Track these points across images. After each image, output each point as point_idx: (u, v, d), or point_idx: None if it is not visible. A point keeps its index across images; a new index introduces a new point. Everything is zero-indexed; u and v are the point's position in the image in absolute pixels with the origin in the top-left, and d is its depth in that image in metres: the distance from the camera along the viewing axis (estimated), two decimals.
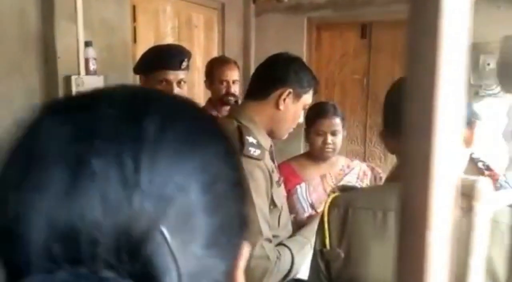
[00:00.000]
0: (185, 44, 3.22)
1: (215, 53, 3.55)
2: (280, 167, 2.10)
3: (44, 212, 0.26)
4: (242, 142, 1.25)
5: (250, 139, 1.27)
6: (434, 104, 0.28)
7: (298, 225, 1.66)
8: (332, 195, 1.01)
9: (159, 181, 0.29)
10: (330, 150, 1.89)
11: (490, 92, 3.23)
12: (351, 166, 2.00)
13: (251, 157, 1.24)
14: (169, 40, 3.08)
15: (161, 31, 3.00)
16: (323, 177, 1.95)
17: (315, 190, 1.91)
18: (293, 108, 1.37)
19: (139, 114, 0.31)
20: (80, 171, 0.27)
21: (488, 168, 1.64)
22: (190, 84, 3.18)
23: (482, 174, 1.62)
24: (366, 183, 1.97)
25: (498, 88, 3.19)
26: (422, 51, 0.28)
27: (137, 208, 0.27)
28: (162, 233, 0.28)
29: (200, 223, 0.31)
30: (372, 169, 2.03)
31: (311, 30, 3.89)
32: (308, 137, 1.96)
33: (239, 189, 0.38)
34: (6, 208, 0.27)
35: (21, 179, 0.28)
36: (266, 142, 1.35)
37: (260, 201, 1.24)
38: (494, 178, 1.60)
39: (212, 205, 0.32)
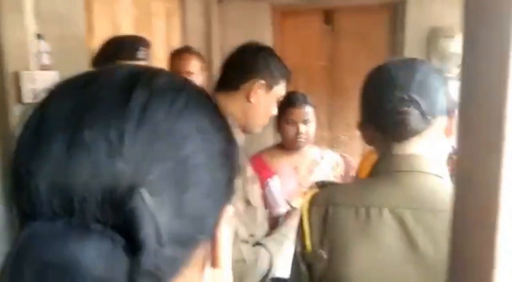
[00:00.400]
0: (144, 35, 3.10)
1: (176, 43, 3.42)
2: (250, 160, 2.06)
3: (47, 173, 0.34)
4: None
5: None
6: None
7: (273, 220, 1.61)
8: (310, 192, 0.96)
9: (140, 149, 0.35)
10: (303, 139, 1.86)
11: (451, 75, 3.29)
12: (323, 156, 1.97)
13: None
14: (127, 30, 2.92)
15: (118, 21, 2.85)
16: (295, 168, 1.92)
17: (288, 182, 1.87)
18: (266, 100, 1.30)
19: (129, 89, 0.37)
20: (74, 141, 0.34)
21: (455, 152, 1.65)
22: None
23: (451, 157, 1.63)
24: (339, 172, 1.95)
25: (458, 71, 3.26)
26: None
27: (118, 172, 0.34)
28: (140, 193, 0.33)
29: (182, 187, 0.36)
30: (344, 158, 2.01)
31: (275, 17, 3.82)
32: (279, 128, 1.91)
33: (224, 158, 0.41)
34: (21, 168, 0.36)
35: (32, 145, 0.36)
36: (240, 138, 1.29)
37: (235, 200, 1.19)
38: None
39: (188, 173, 0.37)
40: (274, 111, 1.39)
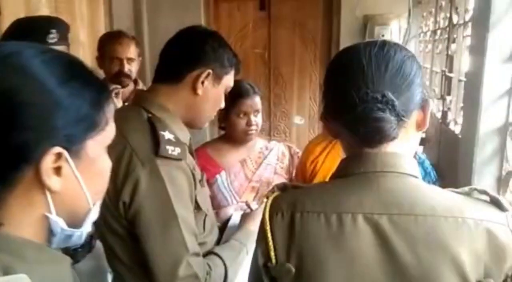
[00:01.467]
0: (64, 17, 2.79)
1: (101, 27, 3.14)
2: (195, 155, 1.92)
3: None
4: (156, 140, 1.03)
5: (166, 135, 1.04)
6: None
7: (223, 221, 1.50)
8: (271, 196, 0.84)
9: None
10: (254, 131, 1.74)
11: None
12: (269, 147, 1.88)
13: (169, 158, 1.03)
14: (43, 12, 2.60)
15: (32, 2, 2.52)
16: (243, 162, 1.81)
17: (236, 178, 1.76)
18: (214, 92, 1.16)
19: None
20: None
21: None
22: None
23: None
24: (285, 163, 1.88)
25: None
26: None
27: None
28: None
29: None
30: (290, 148, 1.94)
31: (208, 1, 3.65)
32: (227, 120, 1.77)
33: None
34: None
35: None
36: (185, 135, 1.14)
37: (183, 211, 1.05)
38: None
39: None
40: (223, 103, 1.25)
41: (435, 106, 2.36)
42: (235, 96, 1.71)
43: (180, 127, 1.13)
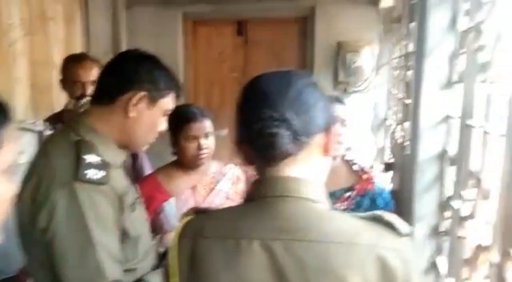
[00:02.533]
0: (38, 39, 2.85)
1: (78, 49, 3.18)
2: (144, 182, 1.82)
3: None
4: (77, 163, 1.02)
5: (90, 158, 1.03)
6: None
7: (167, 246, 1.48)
8: (184, 220, 0.84)
9: None
10: (205, 155, 1.73)
11: (357, 88, 3.41)
12: (223, 171, 1.86)
13: (90, 182, 1.02)
14: (17, 32, 2.65)
15: (4, 22, 2.56)
16: (194, 188, 1.78)
17: (185, 204, 1.72)
18: (149, 115, 1.14)
19: None
20: None
21: (364, 171, 1.63)
22: (47, 84, 2.79)
23: (360, 177, 1.62)
24: (240, 187, 1.86)
25: (364, 85, 3.38)
26: None
27: None
28: None
29: None
30: (246, 172, 1.93)
31: (186, 26, 3.71)
32: (176, 146, 1.75)
33: None
34: None
35: None
36: (117, 158, 1.13)
37: (104, 237, 1.03)
38: (369, 181, 1.60)
39: None
40: (163, 126, 1.23)
41: (398, 133, 2.38)
42: (183, 121, 1.71)
43: (111, 150, 1.12)
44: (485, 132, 1.02)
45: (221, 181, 1.83)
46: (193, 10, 3.62)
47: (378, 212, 0.80)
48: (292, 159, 0.78)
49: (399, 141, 2.25)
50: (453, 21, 1.31)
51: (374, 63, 3.29)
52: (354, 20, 3.35)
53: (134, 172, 2.39)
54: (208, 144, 1.73)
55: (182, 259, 0.79)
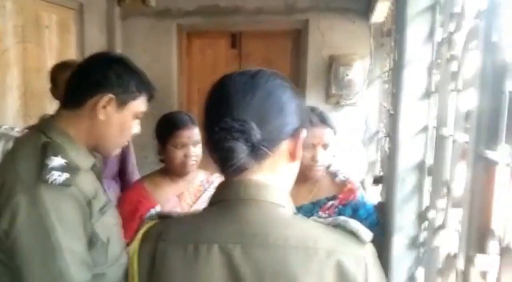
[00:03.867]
0: (32, 46, 2.87)
1: (72, 58, 3.20)
2: (131, 188, 1.85)
3: None
4: (43, 164, 1.01)
5: (56, 160, 1.02)
6: None
7: None
8: (147, 224, 0.83)
9: None
10: (193, 162, 1.73)
11: (349, 101, 3.42)
12: (210, 180, 1.86)
13: (54, 184, 1.00)
14: (10, 40, 2.68)
15: None
16: (180, 196, 1.77)
17: None
18: (118, 117, 1.14)
19: None
20: None
21: (348, 181, 1.62)
22: (39, 92, 2.80)
23: (344, 186, 1.61)
24: None
25: (356, 98, 3.40)
26: None
27: None
28: None
29: None
30: None
31: (181, 37, 3.75)
32: (164, 153, 1.74)
33: None
34: None
35: None
36: (86, 161, 1.12)
37: (70, 240, 1.01)
38: (352, 191, 1.60)
39: None
40: (135, 129, 1.24)
41: (386, 145, 2.39)
42: (171, 127, 1.71)
43: (80, 152, 1.11)
44: (454, 141, 1.02)
45: (208, 190, 1.82)
46: (188, 22, 3.66)
47: (341, 218, 0.79)
48: (256, 166, 0.76)
49: (387, 153, 2.26)
50: (431, 33, 1.33)
51: (365, 77, 3.32)
52: (346, 34, 3.38)
53: (121, 164, 2.40)
54: (196, 151, 1.73)
55: (142, 263, 0.78)
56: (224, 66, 3.75)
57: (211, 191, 1.82)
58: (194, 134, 1.73)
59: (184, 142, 1.70)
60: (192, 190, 1.80)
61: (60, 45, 3.12)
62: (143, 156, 2.55)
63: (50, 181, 1.00)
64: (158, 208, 1.71)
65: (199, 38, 3.78)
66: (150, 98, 1.24)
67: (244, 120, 0.73)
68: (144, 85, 1.20)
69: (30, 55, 2.81)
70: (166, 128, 1.74)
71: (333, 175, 1.65)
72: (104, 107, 1.12)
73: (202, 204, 1.77)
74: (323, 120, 1.52)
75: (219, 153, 0.75)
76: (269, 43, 3.65)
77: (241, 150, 0.72)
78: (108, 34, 3.61)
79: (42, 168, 1.00)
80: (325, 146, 1.51)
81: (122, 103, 1.14)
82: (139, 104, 1.19)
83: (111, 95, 1.12)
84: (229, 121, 0.73)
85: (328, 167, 1.65)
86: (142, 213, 1.70)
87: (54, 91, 2.13)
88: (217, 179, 1.87)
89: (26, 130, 2.16)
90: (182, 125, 1.72)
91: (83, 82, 1.14)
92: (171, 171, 1.77)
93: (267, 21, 3.57)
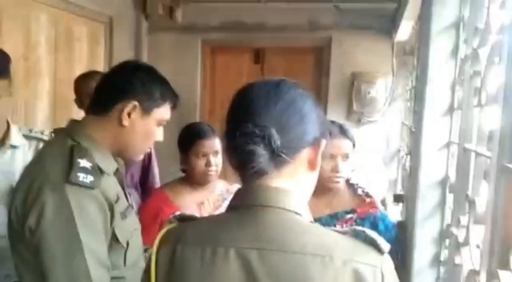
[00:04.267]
0: (63, 57, 2.98)
1: (100, 69, 3.30)
2: (152, 195, 1.90)
3: None
4: (70, 166, 1.04)
5: (83, 163, 1.06)
6: None
7: None
8: (166, 227, 0.84)
9: None
10: (213, 172, 1.76)
11: (371, 119, 3.41)
12: (230, 190, 1.88)
13: (80, 185, 1.03)
14: (43, 50, 2.79)
15: (32, 39, 2.70)
16: (200, 204, 1.80)
17: None
18: (143, 124, 1.16)
19: None
20: None
21: (367, 195, 1.62)
22: (68, 101, 2.90)
23: (363, 201, 1.61)
24: None
25: (378, 116, 3.39)
26: None
27: None
28: None
29: None
30: None
31: (205, 52, 3.83)
32: (186, 162, 1.78)
33: None
34: None
35: None
36: (110, 165, 1.15)
37: (91, 241, 1.04)
38: (373, 205, 1.59)
39: None
40: (159, 137, 1.26)
41: (407, 163, 2.37)
42: (194, 137, 1.75)
43: (104, 157, 1.14)
44: (477, 156, 1.01)
45: (227, 199, 1.84)
46: (212, 37, 3.74)
47: (359, 228, 0.79)
48: (275, 172, 0.77)
49: (408, 170, 2.24)
50: (455, 49, 1.33)
51: (387, 95, 3.31)
52: (369, 51, 3.39)
53: (143, 173, 2.43)
54: (217, 161, 1.76)
55: (160, 264, 0.79)
56: (246, 81, 3.78)
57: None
58: (215, 144, 1.77)
59: (205, 151, 1.74)
60: (212, 199, 1.83)
61: (89, 57, 3.23)
62: (166, 166, 2.59)
63: (77, 182, 1.03)
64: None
65: (223, 53, 3.85)
66: (174, 107, 1.27)
67: (264, 126, 0.74)
68: (168, 94, 1.22)
69: (60, 65, 2.91)
70: (188, 138, 1.79)
71: (353, 188, 1.65)
72: (129, 114, 1.14)
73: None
74: (343, 132, 1.54)
75: (239, 156, 0.76)
76: (291, 59, 3.69)
77: (261, 154, 0.73)
78: (136, 48, 3.72)
79: (69, 170, 1.03)
80: (344, 157, 1.52)
81: (146, 110, 1.17)
82: (163, 112, 1.21)
83: (135, 103, 1.14)
84: (251, 126, 0.74)
85: (347, 181, 1.65)
86: (162, 218, 1.72)
87: (80, 101, 2.16)
88: (236, 188, 1.88)
89: (53, 133, 2.24)
90: (203, 135, 1.76)
91: (109, 89, 1.17)
92: (192, 179, 1.80)
93: (290, 38, 3.62)
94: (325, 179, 1.46)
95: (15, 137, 1.53)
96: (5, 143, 1.49)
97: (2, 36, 2.48)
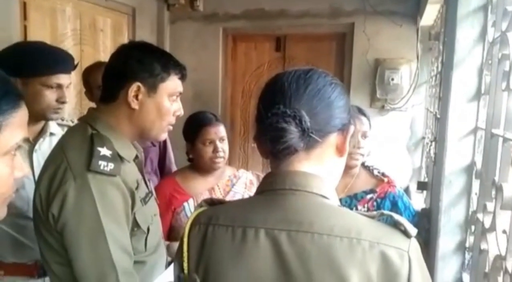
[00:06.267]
0: (88, 48, 3.04)
1: None
2: (163, 182, 1.94)
3: None
4: (90, 155, 1.06)
5: (103, 151, 1.07)
6: None
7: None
8: (197, 210, 0.87)
9: None
10: (221, 158, 1.79)
11: (395, 106, 3.36)
12: (237, 176, 1.91)
13: (101, 173, 1.05)
14: (69, 42, 2.85)
15: (59, 32, 2.77)
16: (211, 190, 1.83)
17: None
18: (153, 103, 1.13)
19: None
20: None
21: (384, 175, 1.64)
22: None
23: (381, 180, 1.62)
24: (253, 191, 1.90)
25: (402, 103, 3.34)
26: None
27: None
28: None
29: None
30: (258, 177, 1.96)
31: (226, 41, 3.84)
32: (193, 151, 1.82)
33: None
34: None
35: None
36: (129, 152, 1.16)
37: (113, 227, 1.06)
38: (391, 183, 1.60)
39: None
40: (178, 111, 1.21)
41: (432, 150, 2.34)
42: (199, 125, 1.79)
43: (123, 144, 1.15)
44: (505, 140, 1.00)
45: (236, 184, 1.88)
46: (233, 26, 3.74)
47: (386, 212, 0.80)
48: (304, 155, 0.79)
49: (433, 158, 2.21)
50: (482, 33, 1.30)
51: (412, 81, 3.25)
52: (393, 37, 3.33)
53: (160, 158, 2.48)
54: (224, 147, 1.80)
55: (192, 245, 0.82)
56: (268, 69, 3.80)
57: (238, 185, 1.87)
58: (220, 130, 1.80)
59: (211, 138, 1.78)
60: (221, 184, 1.87)
61: (113, 48, 3.24)
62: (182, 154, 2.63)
63: (98, 170, 1.05)
64: (191, 202, 1.78)
65: (244, 41, 3.85)
66: (182, 77, 1.21)
67: (296, 108, 0.77)
68: (170, 65, 1.16)
69: (86, 56, 2.98)
70: (194, 127, 1.82)
71: (369, 170, 1.68)
72: (136, 96, 1.12)
73: (231, 197, 1.83)
74: (361, 111, 1.60)
75: (271, 133, 0.77)
76: (313, 47, 3.66)
77: (292, 132, 0.76)
78: (158, 37, 3.75)
79: (90, 159, 1.05)
80: (363, 135, 1.56)
81: (152, 88, 1.13)
82: (171, 85, 1.17)
83: (138, 83, 1.11)
84: (282, 107, 0.77)
85: (362, 164, 1.67)
86: (176, 206, 1.78)
87: (89, 93, 2.14)
88: (244, 174, 1.92)
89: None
90: (208, 122, 1.80)
91: (110, 76, 1.17)
92: (200, 167, 1.83)
93: (312, 25, 3.58)
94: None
95: (53, 125, 1.61)
96: (46, 131, 1.57)
97: (30, 29, 2.55)
